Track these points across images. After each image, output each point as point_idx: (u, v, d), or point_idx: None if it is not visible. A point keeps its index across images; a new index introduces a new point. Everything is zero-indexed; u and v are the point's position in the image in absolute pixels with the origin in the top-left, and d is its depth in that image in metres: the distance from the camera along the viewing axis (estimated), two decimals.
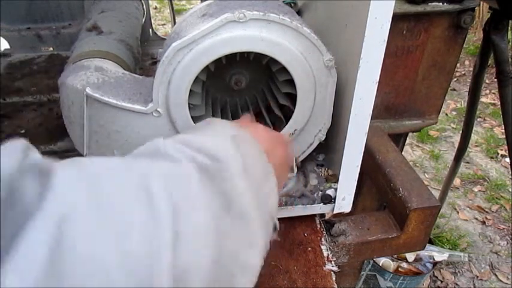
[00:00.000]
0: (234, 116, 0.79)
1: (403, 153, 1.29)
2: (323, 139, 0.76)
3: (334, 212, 0.76)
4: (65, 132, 0.79)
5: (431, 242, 2.02)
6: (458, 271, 2.03)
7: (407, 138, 1.69)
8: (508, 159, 2.59)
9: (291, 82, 0.68)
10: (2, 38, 1.36)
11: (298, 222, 0.78)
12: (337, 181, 0.72)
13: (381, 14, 0.54)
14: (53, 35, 1.39)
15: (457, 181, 2.49)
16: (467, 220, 2.29)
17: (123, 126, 0.71)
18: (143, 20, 1.30)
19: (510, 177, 2.51)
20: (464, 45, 1.31)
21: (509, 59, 1.29)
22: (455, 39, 1.26)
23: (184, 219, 0.30)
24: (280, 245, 0.74)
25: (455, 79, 3.53)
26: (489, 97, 3.30)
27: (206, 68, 0.65)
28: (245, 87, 0.78)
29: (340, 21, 0.67)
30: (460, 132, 1.72)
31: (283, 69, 0.67)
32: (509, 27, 1.30)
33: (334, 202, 0.74)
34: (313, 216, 0.79)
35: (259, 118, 0.79)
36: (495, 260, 2.07)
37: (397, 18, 1.14)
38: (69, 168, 0.29)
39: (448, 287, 1.96)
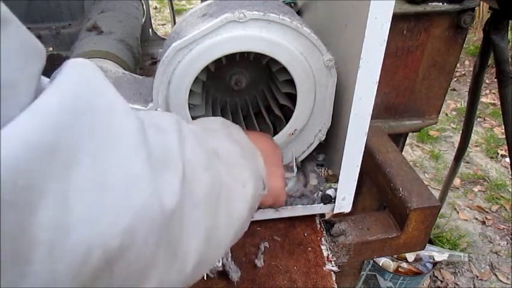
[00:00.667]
0: (234, 116, 0.79)
1: (403, 153, 1.29)
2: (323, 139, 0.76)
3: (334, 212, 0.76)
4: None
5: (431, 242, 2.02)
6: (458, 271, 2.03)
7: (407, 138, 1.69)
8: (508, 159, 2.59)
9: (291, 82, 0.68)
10: None
11: (298, 222, 0.78)
12: (337, 181, 0.72)
13: (381, 14, 0.54)
14: (53, 35, 1.39)
15: (457, 181, 2.49)
16: (467, 220, 2.29)
17: None
18: (143, 20, 1.30)
19: (510, 177, 2.51)
20: (464, 45, 1.31)
21: (509, 59, 1.29)
22: (455, 39, 1.26)
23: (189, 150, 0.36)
24: (280, 245, 0.74)
25: (455, 79, 3.53)
26: (489, 97, 3.30)
27: (206, 68, 0.65)
28: (245, 87, 0.78)
29: (340, 21, 0.67)
30: (460, 132, 1.72)
31: (283, 69, 0.67)
32: (509, 27, 1.30)
33: (334, 202, 0.74)
34: (313, 216, 0.79)
35: (259, 118, 0.79)
36: (495, 260, 2.07)
37: (397, 18, 1.14)
38: None
39: (448, 287, 1.96)
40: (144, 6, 1.34)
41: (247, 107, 0.81)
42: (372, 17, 0.54)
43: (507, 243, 2.15)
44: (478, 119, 3.04)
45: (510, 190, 2.44)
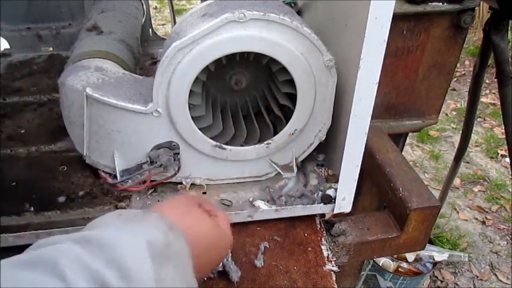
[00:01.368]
0: (234, 116, 0.79)
1: (403, 153, 1.29)
2: (323, 139, 0.76)
3: (334, 212, 0.76)
4: (65, 132, 0.79)
5: (431, 242, 2.02)
6: (458, 271, 2.03)
7: (407, 138, 1.69)
8: (508, 159, 2.59)
9: (291, 82, 0.68)
10: (2, 38, 1.36)
11: (299, 222, 0.78)
12: (337, 181, 0.72)
13: (381, 14, 0.54)
14: (53, 35, 1.39)
15: (457, 181, 2.49)
16: (467, 220, 2.29)
17: (123, 126, 0.71)
18: (143, 20, 1.30)
19: (510, 177, 2.51)
20: (464, 45, 1.31)
21: (509, 59, 1.29)
22: (455, 39, 1.26)
23: None
24: (280, 245, 0.74)
25: (455, 79, 3.53)
26: (489, 97, 3.30)
27: (206, 68, 0.65)
28: (245, 87, 0.78)
29: (340, 21, 0.67)
30: (460, 132, 1.72)
31: (283, 69, 0.67)
32: (509, 27, 1.30)
33: (334, 202, 0.74)
34: (313, 216, 0.79)
35: (259, 118, 0.79)
36: (495, 260, 2.07)
37: (397, 18, 1.13)
38: None
39: (448, 287, 1.96)
40: (144, 6, 1.34)
41: (247, 107, 0.81)
42: (372, 17, 0.54)
43: (507, 243, 2.15)
44: (478, 119, 3.04)
45: (510, 190, 2.44)
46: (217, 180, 0.79)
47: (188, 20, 0.70)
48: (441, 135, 2.95)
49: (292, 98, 0.71)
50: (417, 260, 1.80)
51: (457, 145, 1.78)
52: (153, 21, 1.51)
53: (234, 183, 0.80)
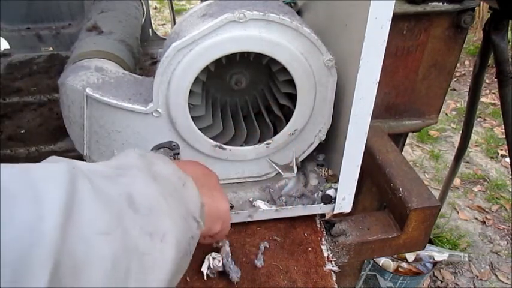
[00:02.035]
0: (234, 116, 0.79)
1: (403, 153, 1.29)
2: (323, 139, 0.76)
3: (335, 212, 0.76)
4: (65, 132, 0.79)
5: (431, 242, 2.02)
6: (458, 271, 2.03)
7: (407, 138, 1.69)
8: (508, 159, 2.59)
9: (291, 82, 0.68)
10: (2, 38, 1.36)
11: (299, 222, 0.78)
12: (337, 181, 0.72)
13: (381, 14, 0.54)
14: (53, 35, 1.39)
15: (457, 181, 2.49)
16: (467, 220, 2.29)
17: (123, 126, 0.71)
18: (143, 20, 1.30)
19: (510, 177, 2.51)
20: (464, 45, 1.31)
21: (509, 59, 1.29)
22: (455, 39, 1.26)
23: (76, 213, 0.30)
24: (281, 245, 0.74)
25: (455, 79, 3.53)
26: (489, 97, 3.30)
27: (206, 68, 0.65)
28: (245, 87, 0.78)
29: (340, 21, 0.67)
30: (460, 132, 1.72)
31: (283, 69, 0.67)
32: (509, 27, 1.30)
33: (334, 202, 0.74)
34: (313, 216, 0.79)
35: (259, 118, 0.79)
36: (495, 260, 2.07)
37: (397, 18, 1.13)
38: None
39: (448, 287, 1.96)
40: (144, 6, 1.34)
41: (247, 107, 0.81)
42: (372, 17, 0.54)
43: (507, 243, 2.15)
44: (478, 119, 3.04)
45: (510, 190, 2.44)
46: None
47: (188, 20, 0.70)
48: (441, 135, 2.95)
49: (292, 98, 0.71)
50: (417, 260, 1.80)
51: (457, 145, 1.78)
52: (153, 21, 1.51)
53: (234, 183, 0.80)
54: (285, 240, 0.75)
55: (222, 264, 0.67)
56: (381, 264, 1.75)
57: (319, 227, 0.78)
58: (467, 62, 3.74)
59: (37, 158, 0.85)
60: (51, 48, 1.40)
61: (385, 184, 0.84)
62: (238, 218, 0.74)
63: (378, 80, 0.60)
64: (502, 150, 2.75)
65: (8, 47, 1.37)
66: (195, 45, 0.62)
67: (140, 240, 0.34)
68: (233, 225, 0.76)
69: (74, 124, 0.75)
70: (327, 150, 0.80)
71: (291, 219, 0.77)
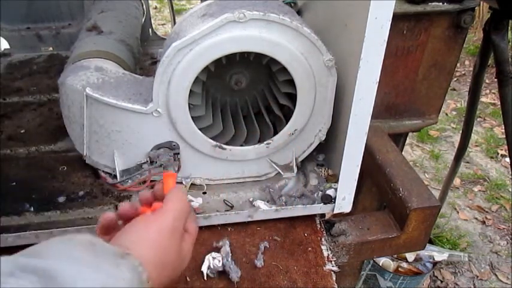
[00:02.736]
0: (234, 116, 0.79)
1: (403, 153, 1.29)
2: (323, 139, 0.76)
3: (335, 212, 0.76)
4: (65, 132, 0.79)
5: (431, 242, 2.02)
6: (458, 271, 2.03)
7: (408, 138, 1.69)
8: (508, 159, 2.59)
9: (291, 82, 0.68)
10: (2, 38, 1.36)
11: (299, 222, 0.78)
12: (337, 181, 0.72)
13: (381, 14, 0.54)
14: (53, 35, 1.39)
15: (457, 181, 2.49)
16: (467, 220, 2.29)
17: (123, 126, 0.71)
18: (143, 20, 1.30)
19: (510, 177, 2.51)
20: (464, 45, 1.31)
21: (509, 59, 1.29)
22: (455, 39, 1.26)
23: None
24: (281, 245, 0.74)
25: (455, 79, 3.53)
26: (489, 97, 3.30)
27: (206, 68, 0.65)
28: (245, 87, 0.78)
29: (340, 21, 0.67)
30: (460, 132, 1.72)
31: (283, 69, 0.67)
32: (509, 27, 1.30)
33: (334, 202, 0.74)
34: (313, 216, 0.79)
35: (259, 118, 0.79)
36: (495, 260, 2.07)
37: (397, 18, 1.13)
38: None
39: (448, 287, 1.96)
40: (144, 6, 1.34)
41: (247, 107, 0.81)
42: (372, 17, 0.54)
43: (507, 243, 2.15)
44: (478, 119, 3.04)
45: (510, 190, 2.44)
46: (217, 180, 0.79)
47: (188, 20, 0.70)
48: (441, 135, 2.95)
49: (292, 98, 0.71)
50: (417, 259, 1.79)
51: (457, 145, 1.78)
52: (153, 21, 1.51)
53: (234, 183, 0.80)
54: (285, 240, 0.75)
55: (222, 264, 0.67)
56: (381, 264, 1.75)
57: (319, 227, 0.78)
58: (467, 62, 3.74)
59: (37, 157, 0.85)
60: (51, 48, 1.40)
61: (385, 184, 0.84)
62: (238, 218, 0.74)
63: (378, 80, 0.60)
64: (502, 150, 2.75)
65: (8, 47, 1.37)
66: (195, 45, 0.62)
67: None
68: (233, 225, 0.76)
69: (74, 124, 0.75)
70: (327, 150, 0.80)
71: (291, 219, 0.77)
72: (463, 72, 3.65)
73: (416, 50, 1.27)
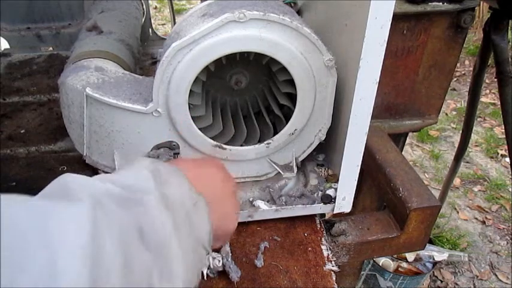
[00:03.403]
0: (234, 116, 0.79)
1: (403, 153, 1.29)
2: (323, 139, 0.76)
3: (335, 211, 0.76)
4: (65, 132, 0.79)
5: (431, 242, 2.02)
6: (458, 271, 2.03)
7: (407, 138, 1.69)
8: (508, 159, 2.59)
9: (291, 82, 0.68)
10: (2, 38, 1.36)
11: (299, 222, 0.78)
12: (337, 181, 0.72)
13: (381, 14, 0.54)
14: (53, 35, 1.39)
15: (457, 181, 2.49)
16: (467, 220, 2.29)
17: (123, 126, 0.71)
18: (143, 19, 1.30)
19: (510, 177, 2.51)
20: (464, 45, 1.31)
21: (509, 59, 1.29)
22: (455, 39, 1.26)
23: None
24: (281, 245, 0.74)
25: (455, 79, 3.53)
26: (489, 97, 3.30)
27: (206, 68, 0.65)
28: (245, 87, 0.78)
29: (340, 21, 0.67)
30: (460, 132, 1.72)
31: (283, 69, 0.67)
32: (509, 27, 1.30)
33: (334, 202, 0.74)
34: (313, 216, 0.79)
35: (259, 118, 0.79)
36: (495, 260, 2.07)
37: (397, 18, 1.14)
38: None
39: (448, 286, 1.96)
40: (144, 6, 1.34)
41: (247, 107, 0.81)
42: (372, 17, 0.54)
43: (507, 243, 2.15)
44: (478, 119, 3.04)
45: (510, 190, 2.44)
46: None
47: (188, 20, 0.70)
48: (441, 135, 2.95)
49: (292, 98, 0.71)
50: (417, 259, 1.80)
51: (457, 145, 1.78)
52: (153, 21, 1.51)
53: None
54: (285, 240, 0.75)
55: (222, 264, 0.67)
56: (380, 264, 1.75)
57: (319, 226, 0.78)
58: (467, 62, 3.74)
59: (37, 157, 0.85)
60: (51, 48, 1.40)
61: (385, 184, 0.84)
62: (239, 218, 0.74)
63: (378, 80, 0.60)
64: (502, 150, 2.75)
65: (8, 47, 1.37)
66: (195, 45, 0.62)
67: (148, 280, 0.34)
68: None
69: (74, 124, 0.75)
70: (327, 150, 0.80)
71: (291, 219, 0.77)
72: (463, 72, 3.65)
73: (416, 50, 1.27)
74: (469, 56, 3.76)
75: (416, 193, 0.78)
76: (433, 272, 1.98)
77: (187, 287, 0.39)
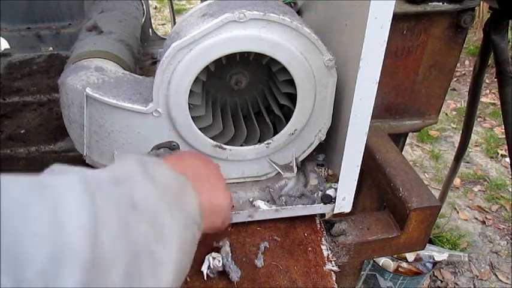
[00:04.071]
0: (234, 116, 0.79)
1: (403, 153, 1.29)
2: (323, 139, 0.76)
3: (335, 212, 0.76)
4: (65, 132, 0.79)
5: (431, 242, 2.02)
6: (458, 271, 2.03)
7: (407, 138, 1.69)
8: (508, 159, 2.59)
9: (291, 82, 0.68)
10: (2, 38, 1.36)
11: (299, 222, 0.78)
12: (337, 181, 0.72)
13: (381, 14, 0.54)
14: (53, 35, 1.39)
15: (457, 181, 2.49)
16: (467, 220, 2.29)
17: (123, 126, 0.71)
18: (143, 19, 1.30)
19: (510, 177, 2.51)
20: (464, 45, 1.31)
21: (509, 59, 1.29)
22: (455, 39, 1.26)
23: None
24: (281, 245, 0.74)
25: (455, 79, 3.53)
26: (489, 97, 3.30)
27: (206, 68, 0.65)
28: (245, 87, 0.78)
29: (340, 21, 0.67)
30: (460, 132, 1.72)
31: (283, 69, 0.67)
32: (509, 27, 1.30)
33: (334, 202, 0.74)
34: (313, 216, 0.79)
35: (259, 118, 0.79)
36: (495, 260, 2.07)
37: (397, 18, 1.14)
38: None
39: (448, 286, 1.96)
40: (144, 6, 1.34)
41: (247, 107, 0.81)
42: (372, 17, 0.54)
43: (507, 243, 2.15)
44: (478, 119, 3.04)
45: (510, 190, 2.44)
46: None
47: (188, 20, 0.70)
48: (441, 135, 2.95)
49: (292, 98, 0.71)
50: (417, 259, 1.80)
51: (457, 145, 1.78)
52: (153, 21, 1.51)
53: (234, 183, 0.80)
54: (285, 240, 0.75)
55: (222, 264, 0.67)
56: (380, 264, 1.75)
57: (319, 227, 0.78)
58: (467, 62, 3.74)
59: (37, 157, 0.85)
60: (51, 48, 1.40)
61: (385, 184, 0.84)
62: (238, 218, 0.74)
63: (378, 80, 0.60)
64: (502, 150, 2.75)
65: (8, 47, 1.37)
66: (195, 45, 0.62)
67: (144, 247, 0.36)
68: (233, 225, 0.76)
69: (74, 124, 0.75)
70: (327, 150, 0.80)
71: (291, 219, 0.77)
72: (463, 72, 3.65)
73: (416, 50, 1.27)
74: (469, 56, 3.76)
75: (416, 193, 0.78)
76: (433, 272, 1.98)
77: (183, 254, 0.41)
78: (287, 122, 0.72)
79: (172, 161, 0.54)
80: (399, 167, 0.86)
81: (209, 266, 0.68)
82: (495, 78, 1.37)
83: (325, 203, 0.75)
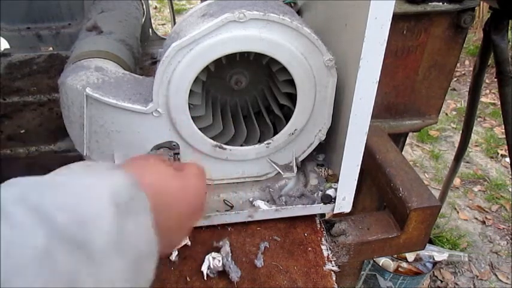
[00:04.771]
0: (234, 116, 0.79)
1: (403, 153, 1.29)
2: (323, 139, 0.76)
3: (335, 211, 0.76)
4: (65, 132, 0.79)
5: (431, 242, 2.02)
6: (458, 271, 2.03)
7: (408, 138, 1.69)
8: (508, 159, 2.59)
9: (291, 82, 0.68)
10: (2, 38, 1.36)
11: (299, 222, 0.78)
12: (337, 181, 0.72)
13: (381, 14, 0.54)
14: (53, 35, 1.39)
15: (457, 181, 2.49)
16: (467, 220, 2.29)
17: (123, 126, 0.71)
18: (143, 19, 1.30)
19: (510, 177, 2.51)
20: (464, 45, 1.31)
21: (509, 59, 1.29)
22: (455, 39, 1.26)
23: None
24: (280, 245, 0.74)
25: (455, 79, 3.53)
26: (489, 97, 3.30)
27: (206, 68, 0.65)
28: (245, 87, 0.78)
29: (340, 21, 0.67)
30: (460, 132, 1.72)
31: (283, 69, 0.67)
32: (509, 27, 1.30)
33: (334, 202, 0.74)
34: (313, 216, 0.79)
35: (259, 118, 0.79)
36: (495, 260, 2.07)
37: (397, 18, 1.14)
38: None
39: (448, 286, 1.97)
40: (144, 6, 1.34)
41: (247, 107, 0.81)
42: (372, 17, 0.54)
43: (507, 243, 2.15)
44: (478, 119, 3.04)
45: (510, 190, 2.44)
46: (217, 180, 0.79)
47: (188, 20, 0.70)
48: (441, 135, 2.95)
49: (292, 98, 0.71)
50: (417, 259, 1.80)
51: (457, 145, 1.78)
52: (153, 21, 1.51)
53: (234, 183, 0.80)
54: (285, 240, 0.75)
55: (222, 264, 0.67)
56: (380, 264, 1.75)
57: (319, 227, 0.78)
58: (467, 62, 3.74)
59: (37, 158, 0.85)
60: (51, 48, 1.40)
61: (385, 184, 0.84)
62: (238, 218, 0.74)
63: (378, 80, 0.60)
64: (502, 150, 2.75)
65: (8, 47, 1.37)
66: (195, 45, 0.62)
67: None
68: (233, 225, 0.76)
69: (74, 124, 0.75)
70: (327, 150, 0.80)
71: (291, 219, 0.77)
72: (463, 72, 3.65)
73: (416, 50, 1.27)
74: (469, 56, 3.76)
75: (416, 193, 0.78)
76: (433, 272, 1.98)
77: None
78: (287, 122, 0.72)
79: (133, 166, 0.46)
80: (399, 167, 0.86)
81: (209, 266, 0.68)
82: (495, 78, 1.37)
83: (325, 203, 0.75)
